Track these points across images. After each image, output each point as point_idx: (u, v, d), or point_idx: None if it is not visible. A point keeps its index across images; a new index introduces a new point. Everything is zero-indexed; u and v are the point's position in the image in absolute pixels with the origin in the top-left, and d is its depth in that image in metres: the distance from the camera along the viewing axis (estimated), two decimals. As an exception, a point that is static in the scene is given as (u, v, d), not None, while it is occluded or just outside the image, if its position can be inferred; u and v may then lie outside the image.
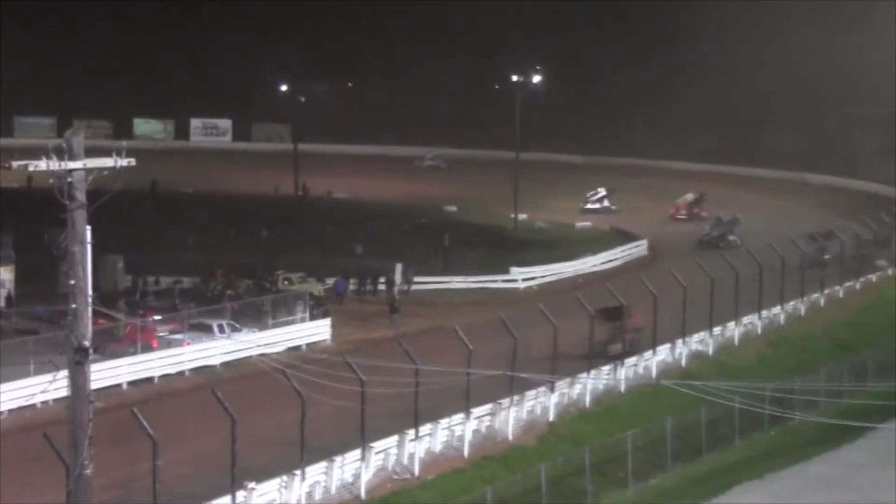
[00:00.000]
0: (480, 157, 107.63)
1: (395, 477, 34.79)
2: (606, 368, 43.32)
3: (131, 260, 56.50)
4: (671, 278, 47.91)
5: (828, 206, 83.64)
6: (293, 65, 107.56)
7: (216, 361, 44.55)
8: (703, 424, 39.13)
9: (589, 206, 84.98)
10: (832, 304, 56.84)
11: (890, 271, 62.80)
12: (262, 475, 31.40)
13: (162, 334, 44.92)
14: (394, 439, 34.98)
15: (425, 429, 35.84)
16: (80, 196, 18.18)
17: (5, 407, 38.22)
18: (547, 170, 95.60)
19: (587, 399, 41.99)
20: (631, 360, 44.49)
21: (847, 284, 59.21)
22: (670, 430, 38.01)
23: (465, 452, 36.80)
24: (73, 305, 18.41)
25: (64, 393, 18.79)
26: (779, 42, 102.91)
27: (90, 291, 18.64)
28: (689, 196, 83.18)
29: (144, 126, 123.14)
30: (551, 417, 40.12)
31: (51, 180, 18.02)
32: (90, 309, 18.58)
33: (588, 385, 42.02)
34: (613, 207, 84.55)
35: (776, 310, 53.12)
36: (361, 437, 33.45)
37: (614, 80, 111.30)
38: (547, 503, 33.39)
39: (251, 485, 30.74)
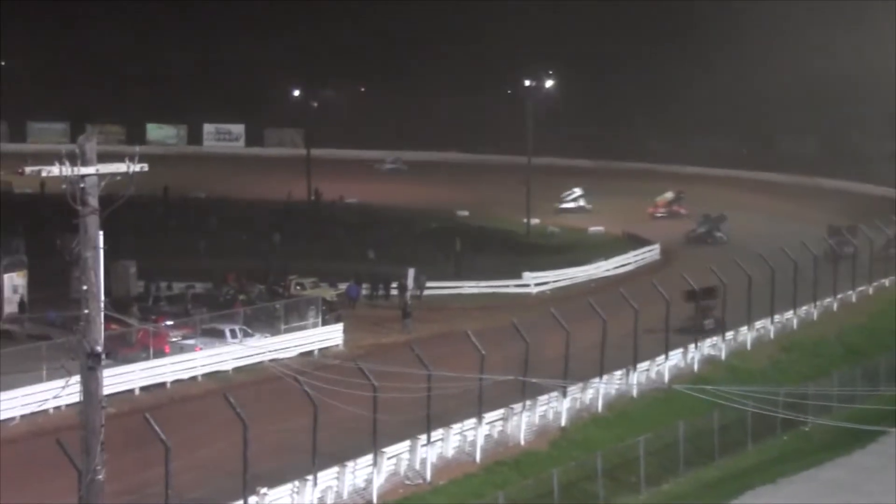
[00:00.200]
0: (485, 161, 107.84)
1: (408, 482, 34.77)
2: (619, 373, 43.24)
3: (144, 265, 56.57)
4: (684, 283, 47.79)
5: (840, 209, 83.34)
6: (306, 70, 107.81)
7: (228, 367, 44.54)
8: (716, 429, 39.05)
9: (564, 205, 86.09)
10: (845, 309, 56.67)
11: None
12: (274, 480, 31.41)
13: (174, 339, 45.06)
14: (406, 444, 34.95)
15: (437, 434, 35.80)
16: (93, 201, 18.16)
17: (18, 412, 38.31)
18: (557, 174, 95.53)
19: (599, 404, 41.91)
20: (644, 365, 44.44)
21: (860, 289, 59.04)
22: (683, 434, 37.92)
23: (478, 457, 36.76)
24: (86, 311, 18.39)
25: (76, 398, 18.78)
26: (791, 46, 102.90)
27: (102, 297, 18.65)
28: (669, 195, 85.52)
29: (157, 131, 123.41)
30: (564, 422, 40.06)
31: (63, 186, 18.02)
32: (102, 314, 18.57)
33: (601, 390, 41.99)
34: (588, 207, 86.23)
35: (789, 314, 53.04)
36: (373, 443, 33.43)
37: (623, 83, 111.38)
38: (559, 508, 33.38)
39: (263, 490, 30.74)
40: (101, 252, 18.38)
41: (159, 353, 43.74)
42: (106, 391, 18.96)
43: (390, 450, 34.31)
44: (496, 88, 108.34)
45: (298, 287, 56.09)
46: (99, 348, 18.40)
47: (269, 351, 44.09)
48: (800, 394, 40.86)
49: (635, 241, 73.64)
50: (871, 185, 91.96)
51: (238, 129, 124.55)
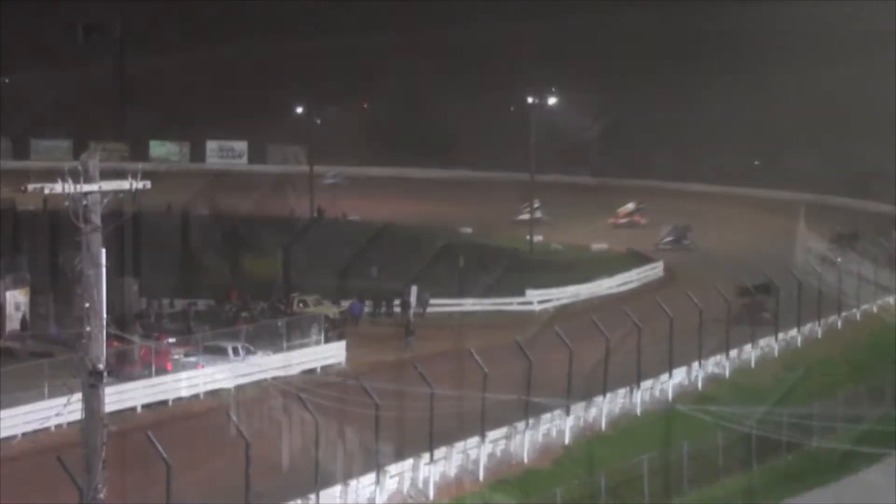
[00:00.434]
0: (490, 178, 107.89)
1: (410, 500, 34.62)
2: (622, 391, 43.12)
3: (146, 282, 56.45)
4: (687, 300, 47.72)
5: (840, 225, 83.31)
6: (309, 87, 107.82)
7: (231, 384, 44.21)
8: (720, 448, 38.88)
9: (520, 217, 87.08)
10: (849, 327, 56.57)
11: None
12: (277, 498, 31.24)
13: (176, 357, 44.88)
14: (409, 463, 34.82)
15: (440, 452, 35.68)
16: (96, 219, 18.15)
17: (20, 430, 38.20)
18: (561, 191, 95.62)
19: (603, 422, 41.78)
20: (647, 383, 44.30)
21: (864, 307, 58.93)
22: (686, 453, 37.77)
23: (480, 476, 36.62)
24: (88, 328, 18.35)
25: (78, 416, 18.70)
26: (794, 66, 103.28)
27: (105, 314, 18.58)
28: (630, 206, 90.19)
29: (160, 148, 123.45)
30: (567, 440, 39.92)
31: (66, 203, 18.00)
32: (104, 332, 18.52)
33: (604, 408, 41.88)
34: (544, 218, 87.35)
35: (793, 332, 52.92)
36: (375, 461, 33.29)
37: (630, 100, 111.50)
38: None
39: (266, 509, 30.65)
40: (104, 269, 18.33)
41: (161, 371, 43.61)
42: (108, 409, 18.88)
43: (393, 468, 34.14)
44: (499, 104, 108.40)
45: (301, 304, 55.99)
46: (101, 366, 18.34)
47: (272, 368, 43.90)
48: (804, 414, 40.65)
49: (639, 259, 73.61)
50: (874, 203, 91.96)
51: (241, 146, 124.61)
